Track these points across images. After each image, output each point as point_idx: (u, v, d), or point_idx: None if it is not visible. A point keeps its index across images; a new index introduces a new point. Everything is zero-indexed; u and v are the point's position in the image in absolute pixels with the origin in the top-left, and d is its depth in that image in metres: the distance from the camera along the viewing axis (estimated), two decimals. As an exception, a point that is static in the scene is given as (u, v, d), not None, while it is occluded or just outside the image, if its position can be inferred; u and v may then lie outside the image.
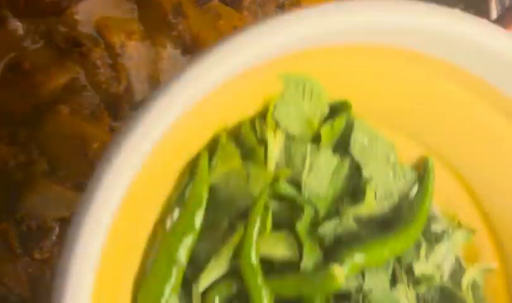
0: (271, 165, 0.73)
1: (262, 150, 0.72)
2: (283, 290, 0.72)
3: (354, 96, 0.77)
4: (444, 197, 0.87)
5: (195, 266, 0.75)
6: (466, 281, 0.80)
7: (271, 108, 0.73)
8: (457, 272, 0.82)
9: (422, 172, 0.83)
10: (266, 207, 0.74)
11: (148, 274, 0.72)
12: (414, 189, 0.84)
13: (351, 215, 0.79)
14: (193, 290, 0.73)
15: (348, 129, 0.79)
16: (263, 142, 0.74)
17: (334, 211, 0.78)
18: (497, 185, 0.80)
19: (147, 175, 0.64)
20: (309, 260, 0.71)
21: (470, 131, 0.79)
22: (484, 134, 0.77)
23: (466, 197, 0.85)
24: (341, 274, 0.70)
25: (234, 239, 0.72)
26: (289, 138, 0.76)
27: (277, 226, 0.75)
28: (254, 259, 0.71)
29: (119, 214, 0.60)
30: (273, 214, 0.75)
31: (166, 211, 0.76)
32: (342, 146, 0.80)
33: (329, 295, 0.77)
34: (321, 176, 0.74)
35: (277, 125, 0.75)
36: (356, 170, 0.80)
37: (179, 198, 0.74)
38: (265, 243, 0.72)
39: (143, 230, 0.69)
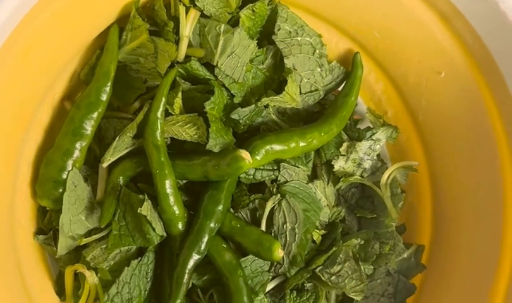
0: (182, 43, 0.71)
1: (171, 24, 0.70)
2: (189, 172, 0.71)
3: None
4: (374, 96, 0.85)
5: (105, 146, 0.73)
6: (385, 178, 0.79)
7: (185, -16, 0.71)
8: (379, 169, 0.80)
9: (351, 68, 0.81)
10: (176, 88, 0.72)
11: (52, 147, 0.71)
12: (342, 86, 0.81)
13: (272, 106, 0.77)
14: (99, 166, 0.72)
15: (273, 19, 0.76)
16: (176, 19, 0.71)
17: (255, 101, 0.76)
18: (422, 84, 0.77)
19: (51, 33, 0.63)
20: (215, 142, 0.69)
21: (398, 24, 0.76)
22: (409, 26, 0.74)
23: (396, 97, 0.83)
24: (248, 157, 0.68)
25: (138, 117, 0.70)
26: (206, 18, 0.73)
27: (191, 110, 0.73)
28: (158, 137, 0.69)
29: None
30: (187, 97, 0.73)
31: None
32: (269, 37, 0.77)
33: (243, 185, 0.76)
34: (236, 59, 0.72)
35: (192, 3, 0.72)
36: (282, 61, 0.78)
37: (89, 72, 0.73)
38: (174, 124, 0.71)
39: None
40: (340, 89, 0.81)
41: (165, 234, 0.70)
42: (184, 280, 0.69)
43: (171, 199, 0.69)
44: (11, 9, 0.56)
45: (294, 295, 0.76)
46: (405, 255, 0.80)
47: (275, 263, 0.75)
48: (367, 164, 0.80)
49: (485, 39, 0.67)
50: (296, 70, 0.77)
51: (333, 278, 0.75)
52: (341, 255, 0.76)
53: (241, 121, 0.74)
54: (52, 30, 0.63)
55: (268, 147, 0.72)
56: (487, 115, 0.73)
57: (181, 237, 0.71)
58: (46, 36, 0.63)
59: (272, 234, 0.74)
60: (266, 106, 0.77)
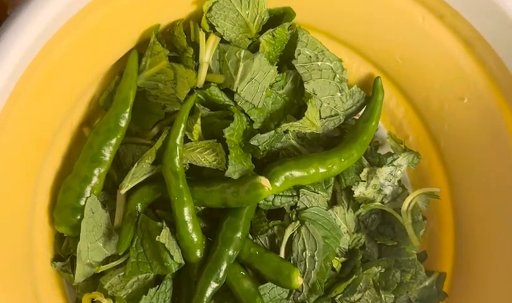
0: (202, 69, 0.70)
1: (191, 50, 0.69)
2: (208, 199, 0.70)
3: (298, 4, 0.73)
4: (395, 121, 0.83)
5: (124, 172, 0.73)
6: (406, 204, 0.77)
7: (205, 9, 0.70)
8: (400, 196, 0.79)
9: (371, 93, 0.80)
10: (195, 114, 0.71)
11: (70, 173, 0.70)
12: (363, 111, 0.80)
13: (292, 131, 0.76)
14: (117, 193, 0.72)
15: (293, 43, 0.76)
16: (196, 45, 0.71)
17: (274, 126, 0.75)
18: (444, 109, 0.76)
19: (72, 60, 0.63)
20: (235, 168, 0.68)
21: (421, 51, 0.75)
22: (432, 52, 0.73)
23: (417, 122, 0.81)
24: (267, 184, 0.67)
25: (157, 144, 0.70)
26: (226, 44, 0.73)
27: (211, 136, 0.72)
28: (177, 164, 0.68)
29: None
30: (206, 123, 0.72)
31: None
32: (289, 61, 0.77)
33: (262, 212, 0.75)
34: (256, 85, 0.71)
35: (212, 28, 0.72)
36: (302, 86, 0.77)
37: (108, 98, 0.73)
38: (193, 150, 0.70)
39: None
40: (360, 113, 0.80)
41: (183, 262, 0.69)
42: (202, 309, 0.68)
43: (189, 226, 0.68)
44: (35, 35, 0.55)
45: (313, 323, 0.74)
46: (426, 284, 0.79)
47: (294, 291, 0.73)
48: (388, 190, 0.79)
49: (510, 67, 0.66)
50: (316, 95, 0.76)
51: (353, 306, 0.74)
52: (361, 284, 0.74)
53: (260, 147, 0.73)
54: (74, 56, 0.63)
55: (287, 173, 0.71)
56: (511, 142, 0.71)
57: (199, 265, 0.70)
58: (68, 62, 0.63)
59: (291, 261, 0.73)
60: (285, 132, 0.76)
